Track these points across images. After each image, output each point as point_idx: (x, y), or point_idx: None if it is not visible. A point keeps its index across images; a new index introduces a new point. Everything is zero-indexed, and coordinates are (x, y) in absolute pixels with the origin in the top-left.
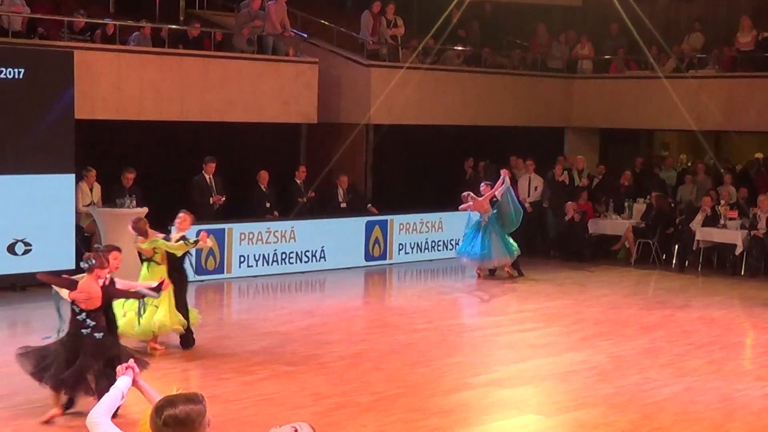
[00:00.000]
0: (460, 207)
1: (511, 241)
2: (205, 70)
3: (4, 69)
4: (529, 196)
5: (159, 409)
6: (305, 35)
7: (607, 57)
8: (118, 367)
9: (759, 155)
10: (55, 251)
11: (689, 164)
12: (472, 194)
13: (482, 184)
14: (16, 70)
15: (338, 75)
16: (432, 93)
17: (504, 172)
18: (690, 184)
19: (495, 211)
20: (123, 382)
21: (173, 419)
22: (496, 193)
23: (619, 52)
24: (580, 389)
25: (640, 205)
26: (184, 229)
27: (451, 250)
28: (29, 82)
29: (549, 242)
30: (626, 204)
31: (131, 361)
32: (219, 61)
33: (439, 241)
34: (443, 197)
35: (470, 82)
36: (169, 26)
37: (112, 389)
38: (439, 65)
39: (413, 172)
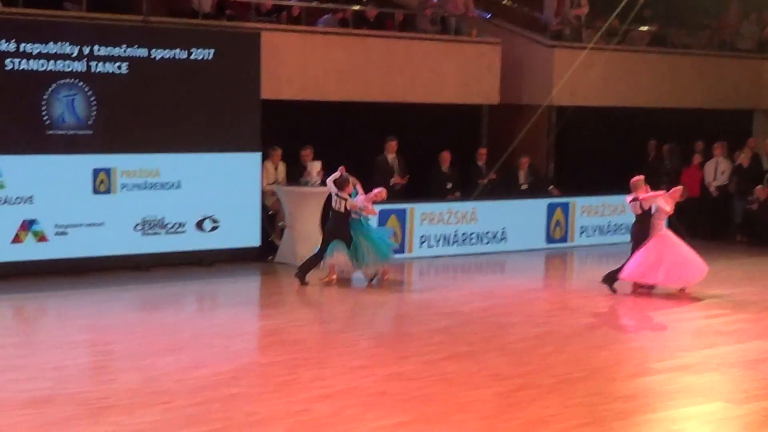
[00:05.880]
0: None
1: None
2: (389, 50)
3: (195, 50)
4: (714, 179)
5: None
6: (488, 15)
7: None
8: None
9: None
10: (241, 228)
11: None
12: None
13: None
14: (206, 51)
15: (520, 56)
16: (616, 74)
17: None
18: None
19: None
20: None
21: None
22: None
23: None
24: None
25: None
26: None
27: None
28: (218, 63)
29: (735, 227)
30: None
31: None
32: (402, 41)
33: (622, 224)
34: (627, 180)
35: (656, 63)
36: (352, 8)
37: None
38: (623, 46)
39: (596, 154)
